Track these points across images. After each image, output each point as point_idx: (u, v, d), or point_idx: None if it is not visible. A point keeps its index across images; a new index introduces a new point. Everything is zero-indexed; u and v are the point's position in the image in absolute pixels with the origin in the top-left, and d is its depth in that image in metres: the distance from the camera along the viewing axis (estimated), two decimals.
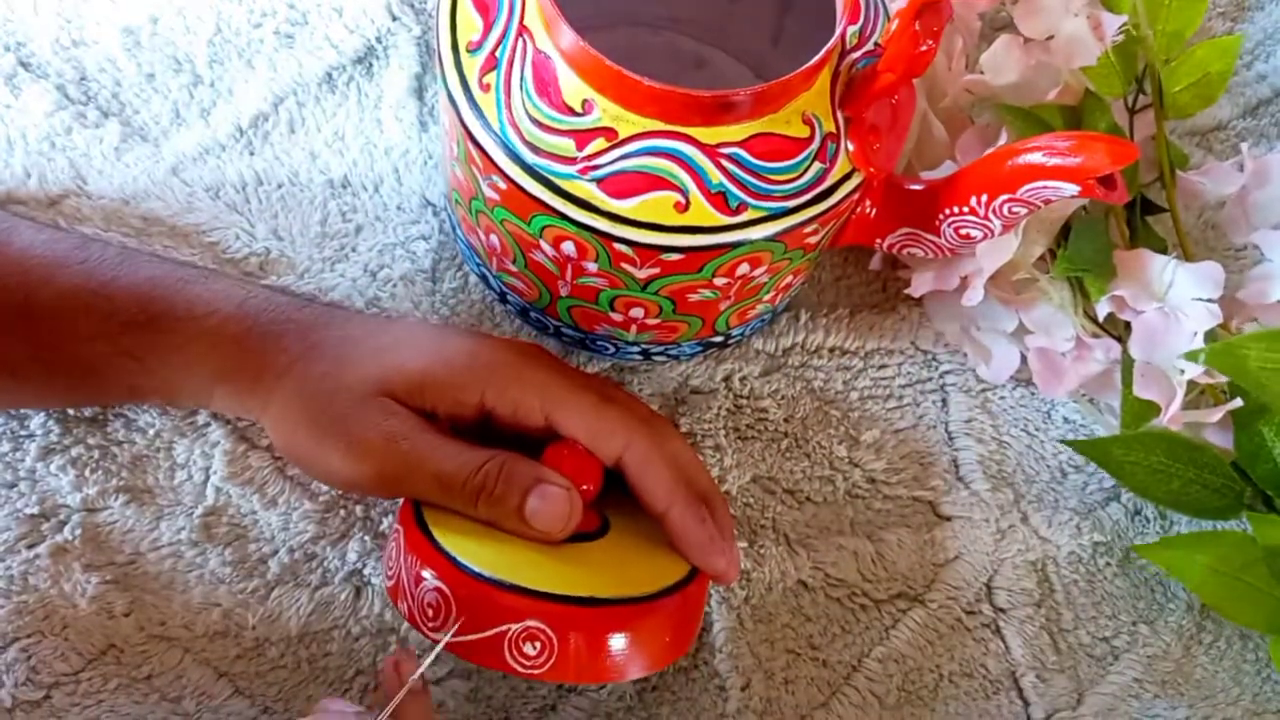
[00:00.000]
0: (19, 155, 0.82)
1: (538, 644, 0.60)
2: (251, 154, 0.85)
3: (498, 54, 0.64)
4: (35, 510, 0.74)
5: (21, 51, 0.85)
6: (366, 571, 0.76)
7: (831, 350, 0.86)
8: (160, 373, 0.71)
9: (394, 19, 0.89)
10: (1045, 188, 0.65)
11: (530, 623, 0.60)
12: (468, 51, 0.65)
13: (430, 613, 0.61)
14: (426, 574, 0.62)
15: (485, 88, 0.64)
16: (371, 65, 0.89)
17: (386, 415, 0.67)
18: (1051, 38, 0.81)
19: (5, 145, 0.82)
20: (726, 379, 0.84)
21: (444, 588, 0.61)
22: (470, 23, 0.66)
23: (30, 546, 0.74)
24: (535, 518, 0.65)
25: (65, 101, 0.84)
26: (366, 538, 0.77)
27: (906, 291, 0.82)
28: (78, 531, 0.74)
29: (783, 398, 0.84)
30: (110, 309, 0.70)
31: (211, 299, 0.71)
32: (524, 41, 0.64)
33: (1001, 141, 0.79)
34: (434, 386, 0.68)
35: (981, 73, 0.81)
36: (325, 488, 0.77)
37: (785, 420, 0.84)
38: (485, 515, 0.66)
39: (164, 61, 0.87)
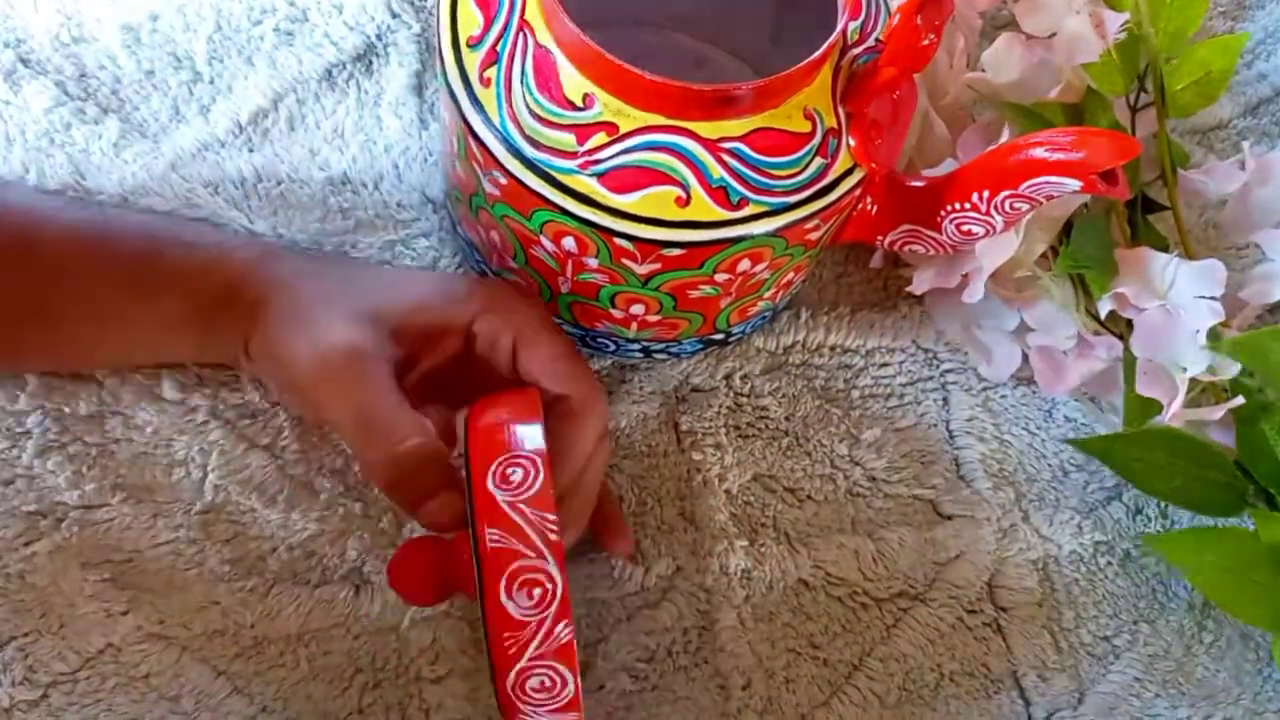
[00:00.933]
0: (18, 151, 0.82)
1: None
2: (251, 151, 0.85)
3: (498, 49, 0.64)
4: (33, 508, 0.74)
5: (21, 48, 0.85)
6: (366, 569, 0.76)
7: (832, 348, 0.86)
8: (157, 308, 0.72)
9: (394, 16, 0.89)
10: (1047, 183, 0.65)
11: None
12: (468, 46, 0.65)
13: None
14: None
15: (486, 83, 0.64)
16: (371, 62, 0.89)
17: (357, 337, 0.67)
18: (1053, 35, 0.81)
19: (4, 141, 0.82)
20: (727, 377, 0.84)
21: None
22: (471, 18, 0.66)
23: (28, 544, 0.73)
24: (423, 519, 0.65)
25: (65, 98, 0.84)
26: (366, 535, 0.76)
27: (908, 289, 0.82)
28: (75, 529, 0.74)
29: (784, 396, 0.84)
30: (111, 244, 0.72)
31: (211, 235, 0.74)
32: (525, 36, 0.64)
33: (1003, 139, 0.79)
34: (426, 310, 0.70)
35: (983, 70, 0.81)
36: (326, 485, 0.77)
37: (786, 418, 0.84)
38: (391, 491, 0.67)
39: (164, 58, 0.87)
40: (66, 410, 0.76)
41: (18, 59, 0.84)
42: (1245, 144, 0.85)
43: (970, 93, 0.83)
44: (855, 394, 0.85)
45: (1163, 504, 0.84)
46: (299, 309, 0.69)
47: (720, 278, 0.68)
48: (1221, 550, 0.78)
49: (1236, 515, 0.80)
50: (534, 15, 0.64)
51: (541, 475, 0.59)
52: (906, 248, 0.75)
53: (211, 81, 0.87)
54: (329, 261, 0.76)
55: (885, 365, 0.86)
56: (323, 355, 0.67)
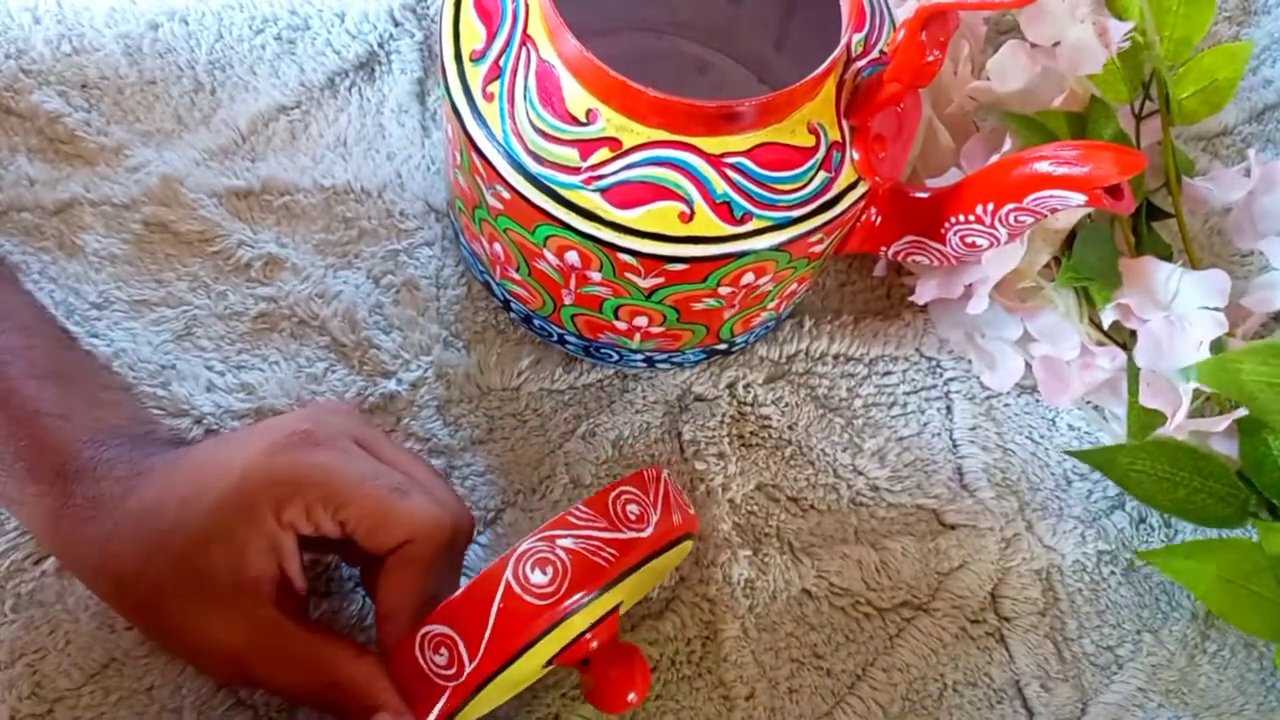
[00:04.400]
0: (21, 162, 0.82)
1: (548, 567, 0.59)
2: (254, 160, 0.85)
3: (501, 63, 0.64)
4: None
5: (23, 59, 0.85)
6: None
7: (835, 357, 0.86)
8: None
9: (396, 24, 0.89)
10: (1052, 197, 0.64)
11: (523, 546, 0.59)
12: (471, 61, 0.65)
13: (444, 665, 0.60)
14: (418, 639, 0.61)
15: (489, 97, 0.64)
16: (374, 70, 0.89)
17: (221, 628, 0.63)
18: (1058, 44, 0.80)
19: (8, 153, 0.82)
20: (730, 386, 0.84)
21: (439, 630, 0.60)
22: (473, 31, 0.66)
23: (37, 563, 0.73)
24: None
25: (67, 108, 0.84)
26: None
27: (911, 299, 0.82)
28: None
29: (786, 405, 0.84)
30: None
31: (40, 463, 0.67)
32: (527, 50, 0.64)
33: (1006, 148, 0.79)
34: (230, 538, 0.63)
35: (987, 79, 0.81)
36: None
37: (789, 428, 0.84)
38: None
39: (165, 68, 0.86)
40: None
41: (19, 70, 0.84)
42: (1250, 151, 0.85)
43: (974, 101, 0.83)
44: (858, 403, 0.85)
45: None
46: (147, 627, 0.68)
47: (724, 291, 0.68)
48: (1223, 561, 0.77)
49: (1239, 526, 0.80)
50: (537, 30, 0.64)
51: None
52: (910, 258, 0.75)
53: (213, 91, 0.87)
54: (117, 511, 0.66)
55: (888, 374, 0.86)
56: (218, 672, 0.67)
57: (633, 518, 0.61)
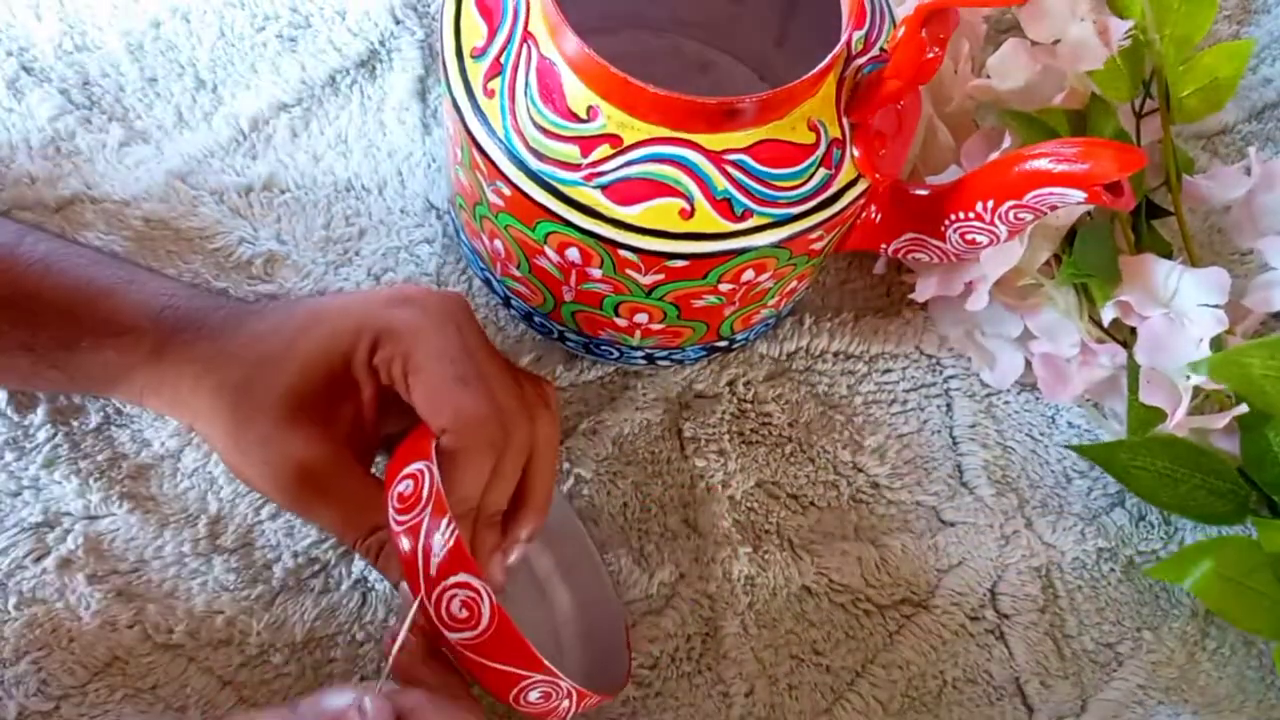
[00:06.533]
0: (23, 160, 0.82)
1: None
2: (255, 158, 0.85)
3: (502, 60, 0.64)
4: (39, 519, 0.74)
5: (24, 56, 0.85)
6: (371, 577, 0.76)
7: (835, 355, 0.86)
8: (86, 384, 0.72)
9: (397, 22, 0.89)
10: (1052, 194, 0.65)
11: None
12: (472, 58, 0.65)
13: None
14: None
15: (490, 94, 0.64)
16: (375, 68, 0.89)
17: (300, 445, 0.66)
18: (1058, 42, 0.81)
19: (9, 150, 0.82)
20: (731, 383, 0.84)
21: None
22: (475, 28, 0.66)
23: (38, 560, 0.73)
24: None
25: (69, 106, 0.84)
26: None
27: (911, 296, 0.82)
28: (80, 541, 0.74)
29: (787, 402, 0.84)
30: (33, 325, 0.69)
31: (130, 312, 0.69)
32: (528, 47, 0.64)
33: (1006, 146, 0.79)
34: (320, 362, 0.68)
35: (988, 77, 0.81)
36: None
37: (789, 425, 0.84)
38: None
39: (167, 65, 0.87)
40: (75, 423, 0.76)
41: (21, 68, 0.84)
42: (1251, 149, 0.85)
43: (975, 99, 0.83)
44: (858, 400, 0.85)
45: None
46: (231, 420, 0.68)
47: (724, 287, 0.68)
48: (1223, 559, 0.77)
49: (1239, 523, 0.80)
50: (538, 27, 0.64)
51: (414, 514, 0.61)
52: (910, 256, 0.75)
53: (215, 88, 0.87)
54: (228, 330, 0.70)
55: (888, 371, 0.86)
56: (276, 486, 0.67)
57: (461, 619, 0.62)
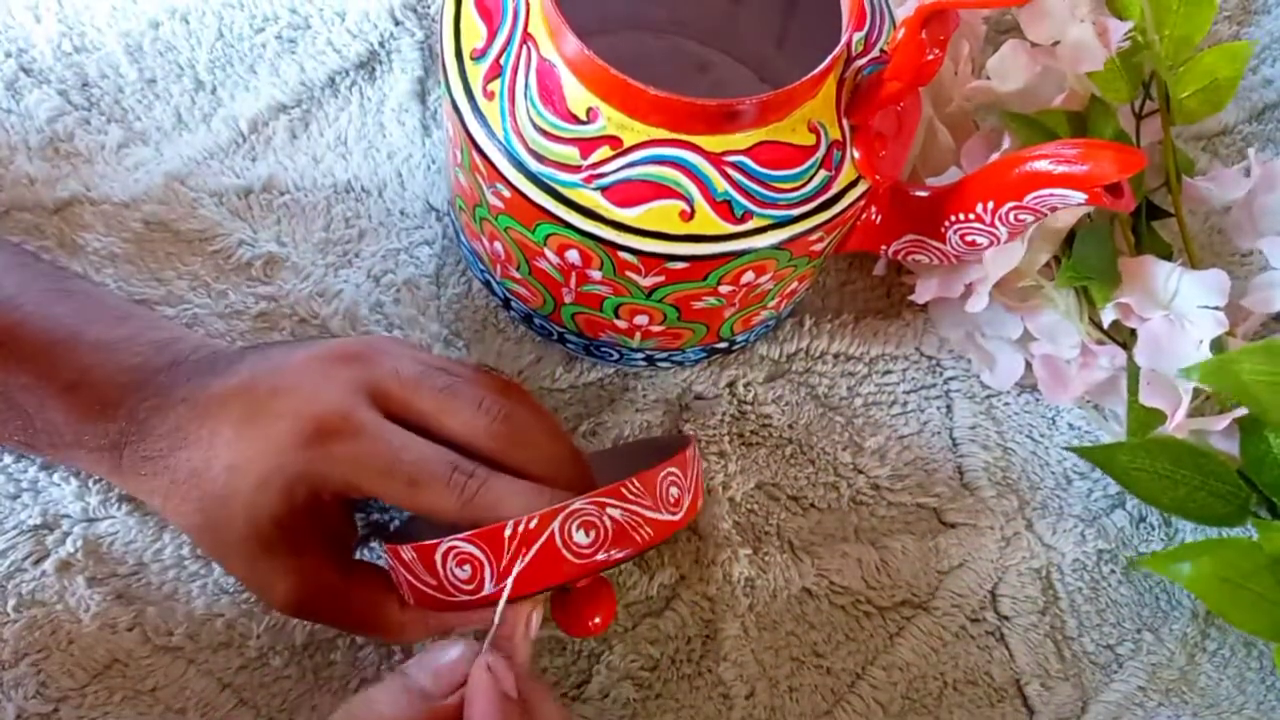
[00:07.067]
0: (21, 161, 0.82)
1: (591, 530, 0.59)
2: (254, 159, 0.85)
3: (502, 61, 0.64)
4: (38, 521, 0.74)
5: (23, 58, 0.85)
6: None
7: (835, 356, 0.86)
8: (48, 436, 0.69)
9: (397, 23, 0.89)
10: (1052, 195, 0.64)
11: (576, 505, 0.59)
12: (471, 59, 0.65)
13: (464, 580, 0.60)
14: (442, 551, 0.60)
15: (489, 95, 0.64)
16: (374, 69, 0.89)
17: (282, 580, 0.66)
18: (1057, 43, 0.80)
19: (8, 151, 0.82)
20: (730, 385, 0.84)
21: (468, 549, 0.60)
22: (474, 30, 0.66)
23: (37, 563, 0.73)
24: None
25: (68, 107, 0.84)
26: (375, 543, 0.76)
27: (911, 298, 0.82)
28: (79, 543, 0.74)
29: (786, 404, 0.84)
30: (6, 364, 0.68)
31: (94, 368, 0.68)
32: (528, 49, 0.64)
33: (1005, 147, 0.79)
34: (280, 524, 0.64)
35: (987, 78, 0.81)
36: None
37: (789, 426, 0.84)
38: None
39: (166, 67, 0.86)
40: None
41: (20, 68, 0.84)
42: (1251, 150, 0.84)
43: (974, 100, 0.83)
44: (858, 402, 0.85)
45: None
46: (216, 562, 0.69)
47: (724, 289, 0.68)
48: (1223, 560, 0.77)
49: (1239, 525, 0.80)
50: (537, 28, 0.64)
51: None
52: (910, 257, 0.75)
53: (214, 90, 0.87)
54: (169, 462, 0.67)
55: (888, 373, 0.86)
56: (285, 609, 0.67)
57: (672, 500, 0.62)
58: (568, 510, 0.59)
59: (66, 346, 0.68)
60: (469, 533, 0.59)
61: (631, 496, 0.60)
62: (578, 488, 0.62)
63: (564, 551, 0.59)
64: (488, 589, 0.59)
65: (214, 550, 0.68)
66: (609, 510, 0.59)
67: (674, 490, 0.62)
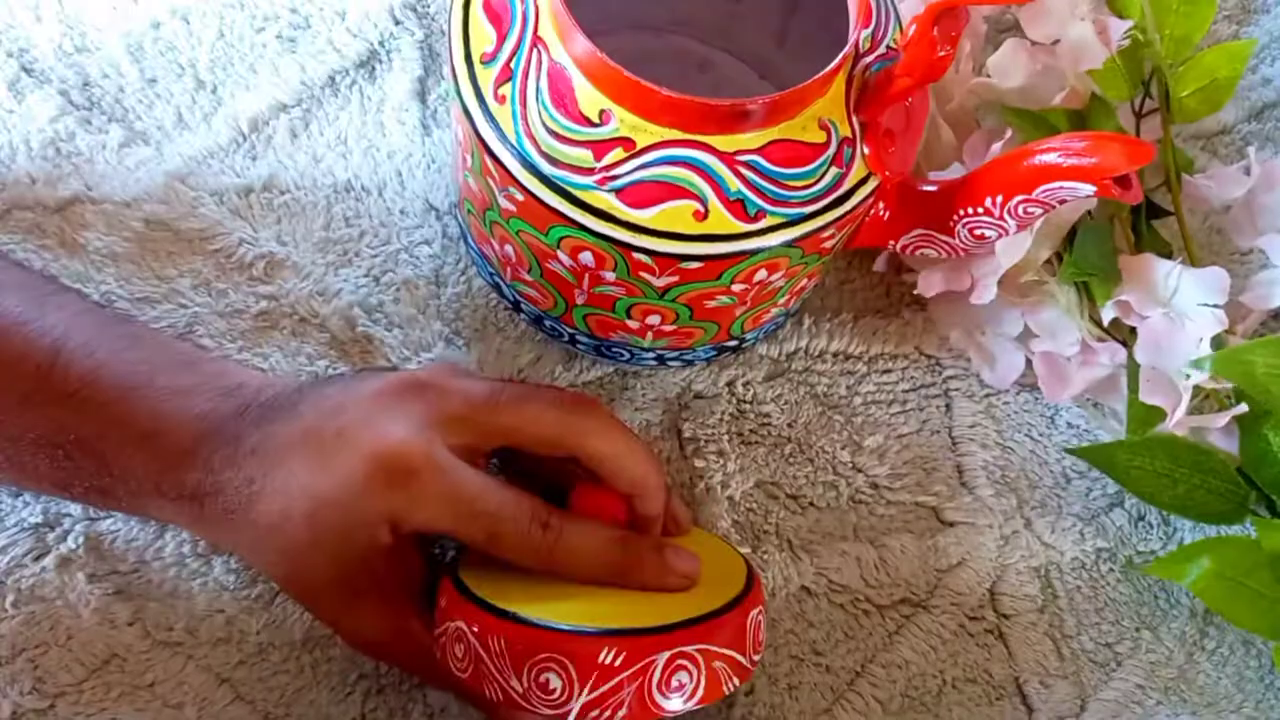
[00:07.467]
0: (22, 161, 0.82)
1: (688, 672, 0.58)
2: (254, 159, 0.85)
3: (512, 65, 0.64)
4: (39, 519, 0.74)
5: (24, 58, 0.85)
6: None
7: (835, 355, 0.86)
8: (125, 485, 0.69)
9: (397, 23, 0.89)
10: (1061, 188, 0.65)
11: (681, 648, 0.58)
12: (481, 63, 0.65)
13: (548, 690, 0.58)
14: (531, 653, 0.59)
15: (500, 99, 0.64)
16: (374, 69, 0.89)
17: (370, 625, 0.67)
18: (1058, 42, 0.81)
19: (9, 151, 0.82)
20: (730, 384, 0.84)
21: (560, 659, 0.58)
22: (483, 34, 0.65)
23: (37, 559, 0.73)
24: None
25: (69, 107, 0.84)
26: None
27: (915, 291, 0.82)
28: (80, 541, 0.73)
29: (786, 403, 0.84)
30: (66, 427, 0.67)
31: (169, 415, 0.68)
32: (539, 52, 0.64)
33: (1005, 139, 0.79)
34: (365, 565, 0.66)
35: (988, 76, 0.81)
36: None
37: (788, 425, 0.84)
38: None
39: (166, 66, 0.86)
40: None
41: (21, 69, 0.84)
42: (1250, 149, 0.85)
43: (976, 97, 0.84)
44: (858, 400, 0.85)
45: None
46: (298, 561, 0.67)
47: (737, 288, 0.68)
48: (1222, 558, 0.78)
49: (1238, 523, 0.80)
50: (548, 31, 0.64)
51: None
52: (918, 251, 0.75)
53: (214, 89, 0.87)
54: (248, 515, 0.67)
55: (888, 372, 0.86)
56: (377, 656, 0.71)
57: (760, 644, 0.63)
58: (668, 656, 0.58)
59: (141, 394, 0.68)
60: (551, 635, 0.58)
61: (722, 643, 0.60)
62: (656, 498, 0.67)
63: (657, 696, 0.58)
64: (573, 706, 0.58)
65: (303, 598, 0.69)
66: (714, 662, 0.59)
67: (762, 635, 0.63)
